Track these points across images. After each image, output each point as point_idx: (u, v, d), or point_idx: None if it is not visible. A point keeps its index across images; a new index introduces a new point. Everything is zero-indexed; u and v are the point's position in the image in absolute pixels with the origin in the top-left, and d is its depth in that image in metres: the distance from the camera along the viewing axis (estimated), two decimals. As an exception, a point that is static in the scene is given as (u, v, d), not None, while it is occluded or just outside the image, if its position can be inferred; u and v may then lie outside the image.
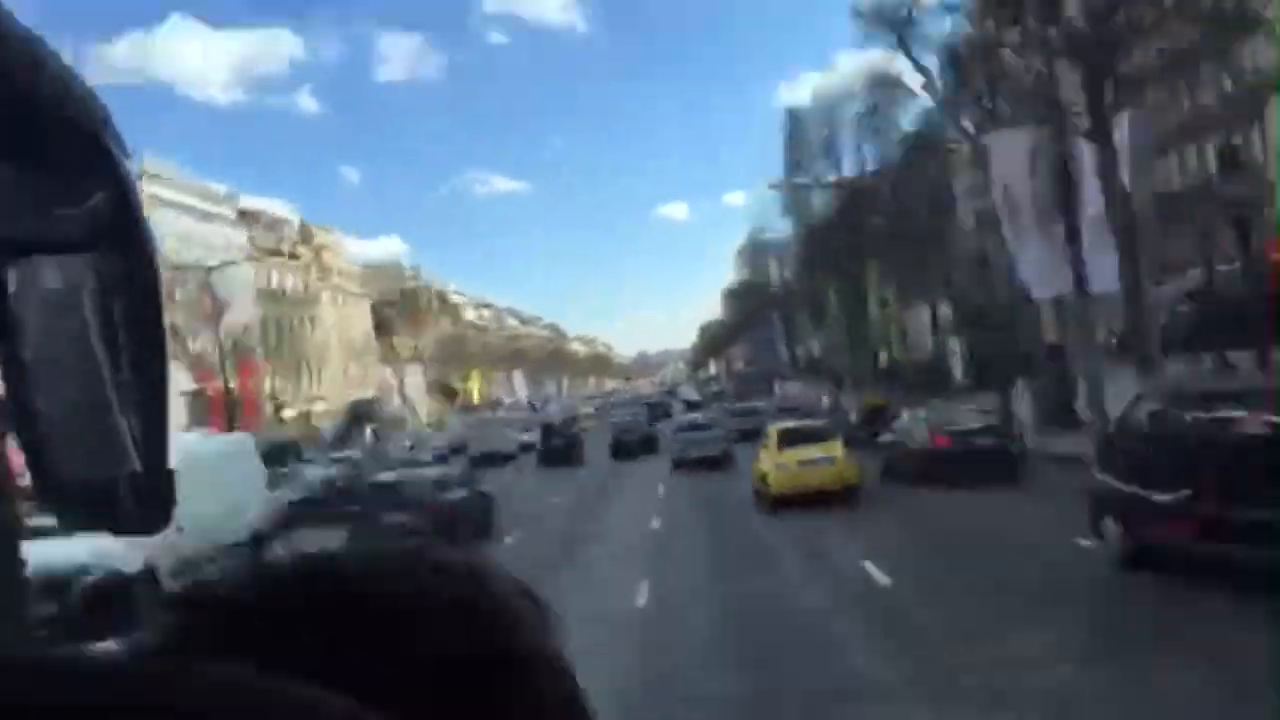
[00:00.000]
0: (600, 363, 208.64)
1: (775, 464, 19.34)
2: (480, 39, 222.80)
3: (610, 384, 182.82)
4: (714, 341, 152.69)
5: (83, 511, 0.92)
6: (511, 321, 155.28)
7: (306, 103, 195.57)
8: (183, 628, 0.40)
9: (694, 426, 32.95)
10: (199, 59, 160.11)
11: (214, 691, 0.32)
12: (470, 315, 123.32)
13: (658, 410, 53.69)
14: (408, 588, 0.41)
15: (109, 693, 0.32)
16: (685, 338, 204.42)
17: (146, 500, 0.89)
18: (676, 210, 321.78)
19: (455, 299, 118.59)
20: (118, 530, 0.91)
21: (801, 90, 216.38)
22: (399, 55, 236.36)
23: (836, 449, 19.58)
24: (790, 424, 22.40)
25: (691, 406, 57.61)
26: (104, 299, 0.87)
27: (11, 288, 0.86)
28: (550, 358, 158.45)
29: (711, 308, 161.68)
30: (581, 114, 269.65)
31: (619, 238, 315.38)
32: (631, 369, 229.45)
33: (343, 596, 0.40)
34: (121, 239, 0.87)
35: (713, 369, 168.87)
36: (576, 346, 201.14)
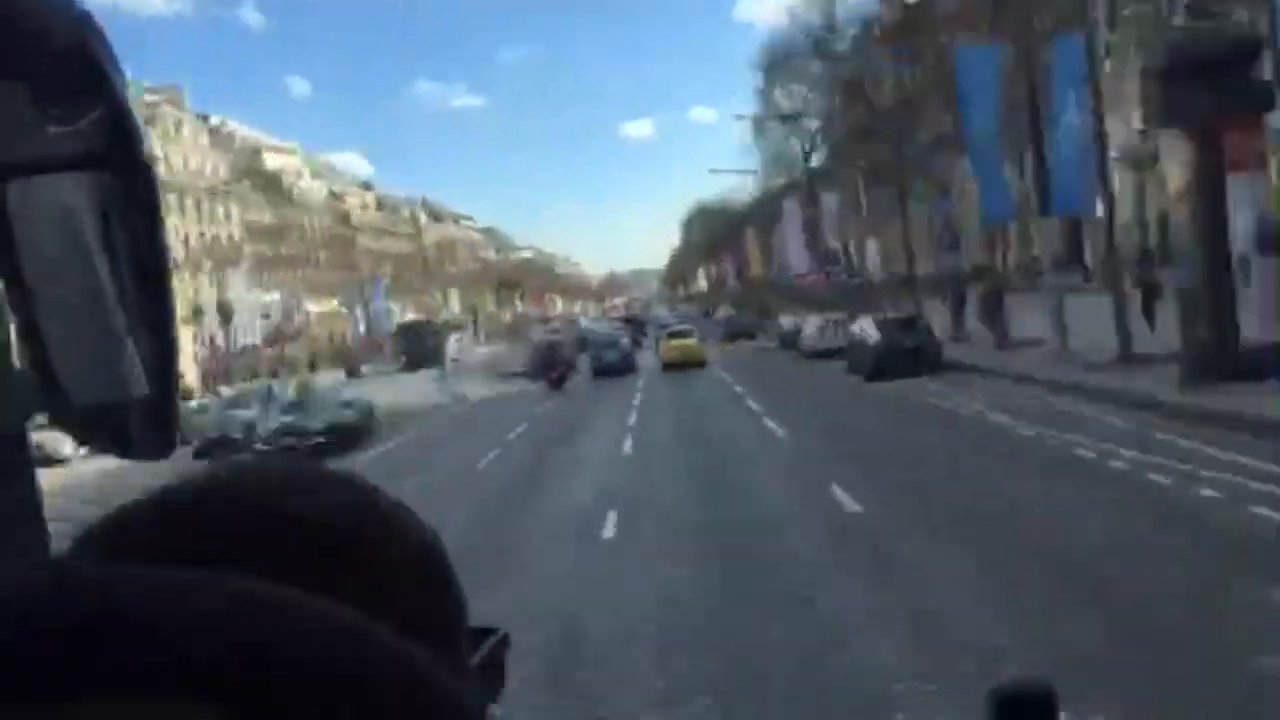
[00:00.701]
0: (539, 277, 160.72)
1: (664, 347, 40.27)
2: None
3: (544, 316, 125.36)
4: (709, 242, 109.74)
5: (94, 435, 0.92)
6: (423, 219, 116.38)
7: (252, 16, 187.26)
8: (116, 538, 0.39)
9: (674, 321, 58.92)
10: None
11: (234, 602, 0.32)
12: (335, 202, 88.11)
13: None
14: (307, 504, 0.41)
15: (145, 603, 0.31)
16: (659, 257, 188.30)
17: (156, 423, 0.90)
18: (641, 128, 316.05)
19: (296, 178, 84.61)
20: (128, 454, 0.91)
21: (759, 6, 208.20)
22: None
23: (693, 340, 39.48)
24: (672, 328, 45.86)
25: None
26: (104, 219, 0.86)
27: (10, 209, 0.85)
28: (447, 265, 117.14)
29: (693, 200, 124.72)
30: (538, 28, 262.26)
31: (585, 155, 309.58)
32: (598, 290, 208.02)
33: (247, 511, 0.40)
34: (118, 158, 0.86)
35: (703, 281, 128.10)
36: (526, 255, 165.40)
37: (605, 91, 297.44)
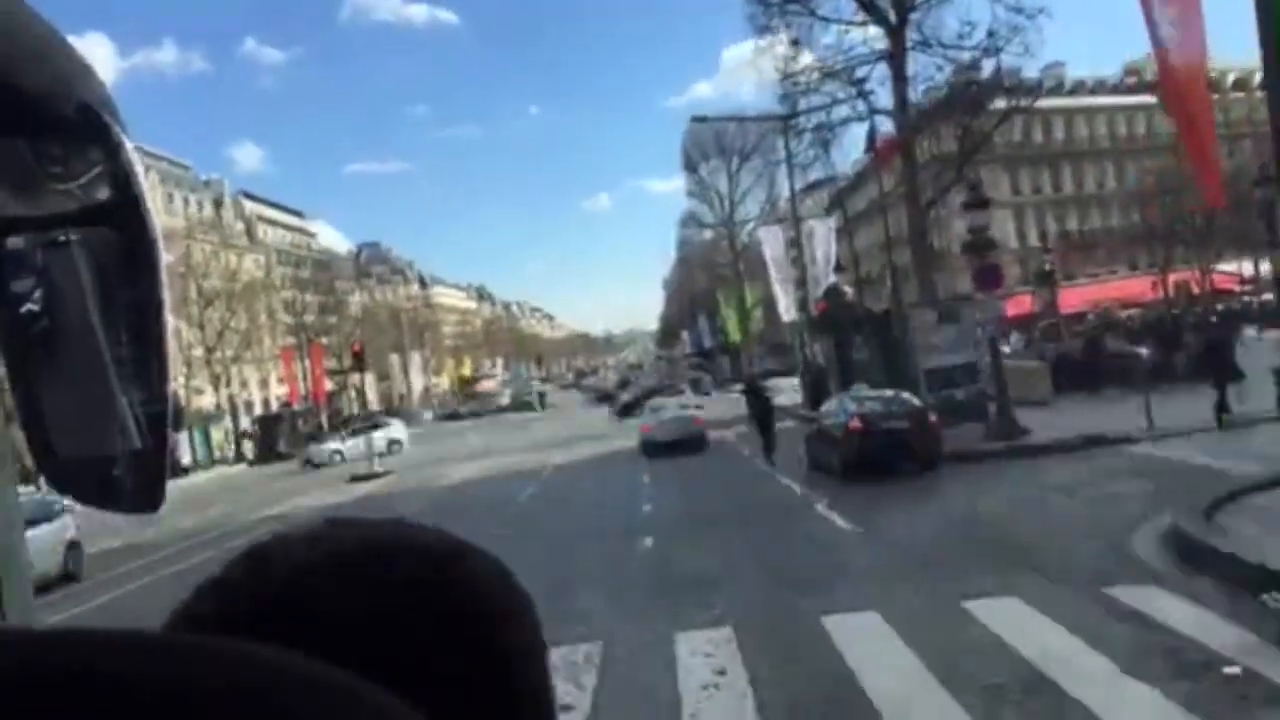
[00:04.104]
0: (499, 336, 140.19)
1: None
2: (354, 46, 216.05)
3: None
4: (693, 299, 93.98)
5: (84, 489, 0.91)
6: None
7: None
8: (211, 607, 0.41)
9: None
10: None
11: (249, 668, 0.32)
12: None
13: None
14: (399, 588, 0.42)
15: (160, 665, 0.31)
16: (652, 318, 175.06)
17: (147, 477, 0.89)
18: (599, 202, 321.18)
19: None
20: (119, 508, 0.90)
21: (694, 93, 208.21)
22: (266, 67, 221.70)
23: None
24: None
25: None
26: (103, 276, 0.86)
27: (8, 265, 0.85)
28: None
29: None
30: (478, 107, 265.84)
31: (558, 229, 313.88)
32: (569, 349, 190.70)
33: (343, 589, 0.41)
34: (120, 215, 0.86)
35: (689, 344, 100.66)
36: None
37: (562, 172, 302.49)
